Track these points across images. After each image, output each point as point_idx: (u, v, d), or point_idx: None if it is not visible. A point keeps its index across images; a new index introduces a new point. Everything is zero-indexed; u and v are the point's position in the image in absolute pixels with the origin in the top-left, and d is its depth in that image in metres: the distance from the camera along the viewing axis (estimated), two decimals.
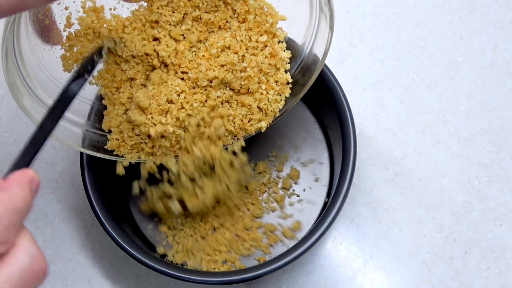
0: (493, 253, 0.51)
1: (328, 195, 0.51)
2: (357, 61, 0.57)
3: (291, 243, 0.49)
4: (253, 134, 0.44)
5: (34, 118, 0.39)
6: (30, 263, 0.26)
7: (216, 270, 0.48)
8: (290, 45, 0.43)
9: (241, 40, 0.40)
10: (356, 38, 0.57)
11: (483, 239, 0.51)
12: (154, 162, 0.43)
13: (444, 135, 0.54)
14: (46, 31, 0.39)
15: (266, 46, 0.41)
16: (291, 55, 0.42)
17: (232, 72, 0.40)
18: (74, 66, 0.40)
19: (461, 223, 0.52)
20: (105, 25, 0.38)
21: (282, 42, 0.42)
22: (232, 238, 0.49)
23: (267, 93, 0.42)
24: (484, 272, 0.50)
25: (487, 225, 0.51)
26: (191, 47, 0.39)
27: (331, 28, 0.41)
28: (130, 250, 0.44)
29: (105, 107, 0.43)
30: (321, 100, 0.50)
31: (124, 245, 0.44)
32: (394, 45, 0.57)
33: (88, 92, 0.44)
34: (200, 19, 0.39)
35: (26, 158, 0.33)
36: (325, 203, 0.51)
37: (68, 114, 0.42)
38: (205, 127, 0.41)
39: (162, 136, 0.41)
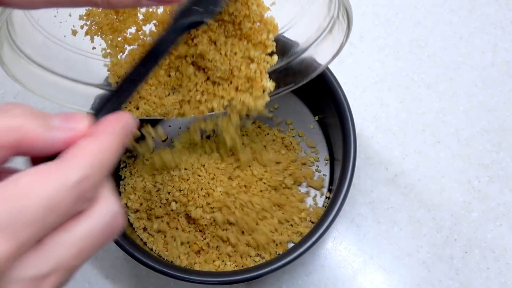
0: (493, 253, 0.51)
1: (328, 195, 0.51)
2: (357, 61, 0.57)
3: (291, 244, 0.49)
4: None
5: (7, 67, 0.37)
6: (110, 219, 0.24)
7: (219, 270, 0.48)
8: (282, 41, 0.43)
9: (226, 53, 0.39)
10: (356, 38, 0.57)
11: (483, 239, 0.51)
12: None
13: (444, 135, 0.54)
14: None
15: (253, 61, 0.40)
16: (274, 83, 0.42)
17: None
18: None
19: (461, 223, 0.52)
20: None
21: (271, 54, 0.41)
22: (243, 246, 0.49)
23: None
24: (484, 272, 0.50)
25: (487, 225, 0.51)
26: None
27: (340, 49, 0.41)
28: (130, 250, 0.44)
29: None
30: (321, 100, 0.50)
31: (124, 245, 0.44)
32: (394, 45, 0.57)
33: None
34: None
35: (121, 97, 0.28)
36: (325, 203, 0.51)
37: (81, 78, 0.41)
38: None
39: None
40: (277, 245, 0.49)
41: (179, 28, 0.31)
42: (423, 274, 0.50)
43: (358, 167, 0.53)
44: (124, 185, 0.52)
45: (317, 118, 0.54)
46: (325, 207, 0.50)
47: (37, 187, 0.22)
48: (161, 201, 0.49)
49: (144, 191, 0.51)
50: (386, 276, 0.50)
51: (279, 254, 0.47)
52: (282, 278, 0.51)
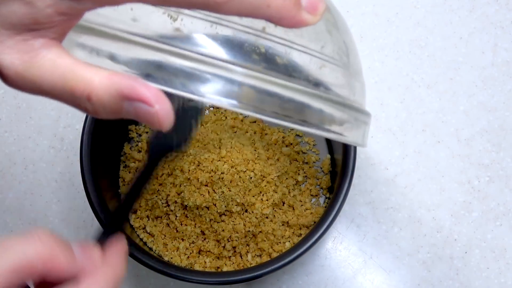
0: (493, 253, 0.51)
1: (328, 196, 0.51)
2: None
3: (291, 243, 0.49)
4: None
5: None
6: None
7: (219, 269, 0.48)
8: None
9: None
10: (356, 38, 0.57)
11: (483, 239, 0.51)
12: None
13: (444, 135, 0.54)
14: None
15: None
16: None
17: None
18: None
19: (461, 223, 0.52)
20: None
21: None
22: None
23: None
24: (484, 272, 0.50)
25: (487, 225, 0.51)
26: None
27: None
28: (130, 250, 0.44)
29: None
30: None
31: None
32: (394, 45, 0.57)
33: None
34: None
35: (119, 219, 0.34)
36: (326, 203, 0.51)
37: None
38: None
39: None
40: (277, 244, 0.49)
41: (157, 156, 0.36)
42: (423, 274, 0.50)
43: (358, 167, 0.53)
44: (124, 185, 0.52)
45: None
46: (325, 207, 0.50)
47: None
48: (161, 201, 0.49)
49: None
50: (386, 276, 0.50)
51: (279, 254, 0.47)
52: (282, 278, 0.51)
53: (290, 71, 0.29)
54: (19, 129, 0.56)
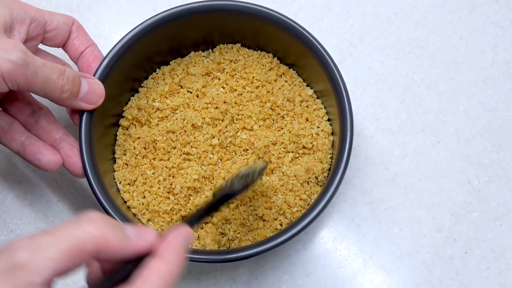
0: (493, 253, 0.51)
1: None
2: (357, 61, 0.57)
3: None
4: None
5: None
6: None
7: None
8: None
9: None
10: (356, 38, 0.57)
11: (483, 239, 0.51)
12: None
13: (444, 135, 0.54)
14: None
15: None
16: None
17: None
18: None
19: (461, 223, 0.52)
20: None
21: None
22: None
23: None
24: (484, 272, 0.50)
25: (487, 225, 0.51)
26: None
27: None
28: None
29: None
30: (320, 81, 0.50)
31: None
32: (394, 45, 0.57)
33: None
34: None
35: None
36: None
37: None
38: None
39: None
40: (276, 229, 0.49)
41: (220, 202, 0.39)
42: (423, 274, 0.50)
43: (358, 167, 0.53)
44: (124, 180, 0.51)
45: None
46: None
47: None
48: (161, 197, 0.49)
49: (144, 184, 0.51)
50: (386, 276, 0.50)
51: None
52: (282, 278, 0.51)
53: None
54: None
